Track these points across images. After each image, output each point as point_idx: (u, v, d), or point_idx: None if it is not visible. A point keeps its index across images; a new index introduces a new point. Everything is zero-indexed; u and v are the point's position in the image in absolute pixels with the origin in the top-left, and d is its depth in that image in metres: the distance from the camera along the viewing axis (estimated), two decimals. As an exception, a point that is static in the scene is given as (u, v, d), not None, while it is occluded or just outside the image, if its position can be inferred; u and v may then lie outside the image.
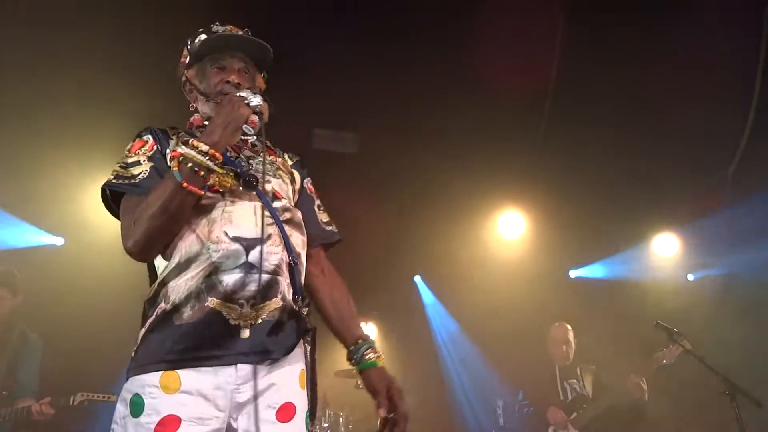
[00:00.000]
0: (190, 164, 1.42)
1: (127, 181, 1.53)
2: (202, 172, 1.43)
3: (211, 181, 1.49)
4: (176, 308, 1.44)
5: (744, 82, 4.78)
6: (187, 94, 1.82)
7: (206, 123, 1.67)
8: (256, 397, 1.43)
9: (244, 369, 1.44)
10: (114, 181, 1.54)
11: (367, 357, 1.62)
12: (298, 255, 1.61)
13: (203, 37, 1.75)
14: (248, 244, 1.48)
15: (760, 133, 5.04)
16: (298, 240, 1.64)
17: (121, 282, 5.26)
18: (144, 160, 1.56)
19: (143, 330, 1.49)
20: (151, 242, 1.47)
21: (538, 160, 5.65)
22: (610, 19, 4.47)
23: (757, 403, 3.27)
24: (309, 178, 1.88)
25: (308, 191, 1.84)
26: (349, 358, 1.68)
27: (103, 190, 1.59)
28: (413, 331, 6.95)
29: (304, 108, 5.38)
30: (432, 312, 7.16)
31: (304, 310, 1.60)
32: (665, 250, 6.39)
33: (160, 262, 1.55)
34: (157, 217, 1.42)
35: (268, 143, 1.76)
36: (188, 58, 1.79)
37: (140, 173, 1.54)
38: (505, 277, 6.39)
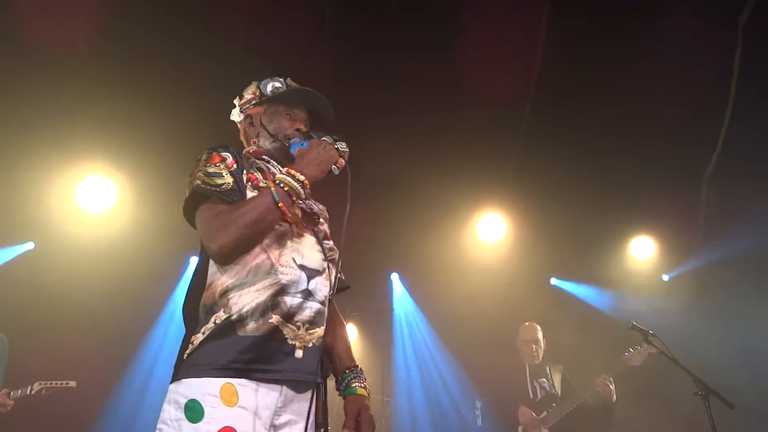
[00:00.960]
0: (286, 188, 1.62)
1: (215, 188, 1.66)
2: (294, 198, 1.64)
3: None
4: (241, 319, 1.55)
5: (720, 88, 4.87)
6: (247, 126, 2.02)
7: (265, 158, 1.89)
8: (309, 414, 1.57)
9: (288, 393, 1.58)
10: (203, 186, 1.66)
11: (351, 384, 1.77)
12: (334, 291, 1.79)
13: (277, 85, 2.00)
14: (309, 274, 1.67)
15: (735, 138, 5.14)
16: (335, 278, 1.78)
17: (91, 283, 5.31)
18: (226, 174, 1.70)
19: (200, 335, 1.57)
20: (238, 247, 1.60)
21: (518, 163, 5.68)
22: (590, 24, 4.51)
23: (729, 405, 3.31)
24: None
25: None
26: (337, 387, 1.81)
27: (192, 191, 1.69)
28: (391, 331, 6.95)
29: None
30: (407, 311, 7.19)
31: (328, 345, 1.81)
32: (642, 253, 6.48)
33: (217, 271, 1.65)
34: (251, 226, 1.58)
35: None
36: (258, 97, 2.01)
37: (224, 184, 1.67)
38: (484, 279, 6.41)
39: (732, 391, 3.33)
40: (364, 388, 1.77)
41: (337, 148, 1.73)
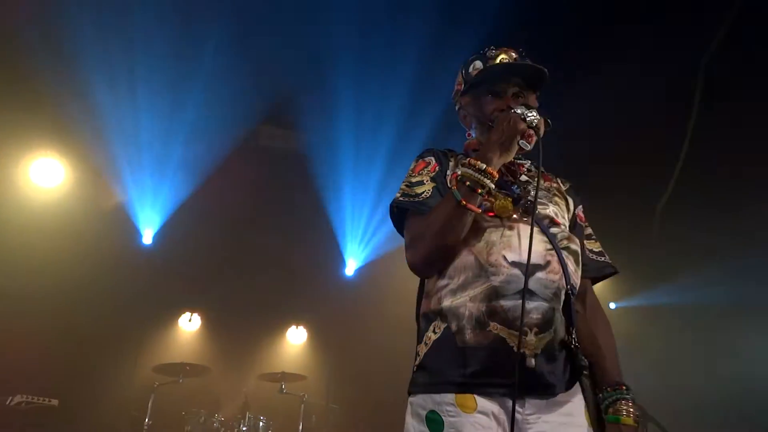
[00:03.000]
0: (468, 183, 1.45)
1: (412, 199, 1.59)
2: (480, 190, 1.46)
3: (489, 206, 1.53)
4: (460, 330, 1.44)
5: (677, 125, 5.01)
6: (462, 120, 1.83)
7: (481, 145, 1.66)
8: None
9: (533, 402, 1.42)
10: (401, 199, 1.61)
11: (615, 408, 1.47)
12: (575, 285, 1.55)
13: (478, 64, 1.74)
14: (527, 271, 1.43)
15: (689, 173, 5.29)
16: (575, 270, 1.57)
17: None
18: (427, 180, 1.62)
19: (424, 347, 1.51)
20: (432, 258, 1.52)
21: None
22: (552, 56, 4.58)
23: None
24: (581, 206, 1.81)
25: (579, 219, 1.77)
26: (599, 403, 1.53)
27: (391, 207, 1.64)
28: (345, 335, 6.86)
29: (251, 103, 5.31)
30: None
31: (574, 345, 1.50)
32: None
33: (435, 278, 1.55)
34: (440, 234, 1.48)
35: (543, 169, 1.70)
36: (463, 85, 1.79)
37: (423, 192, 1.59)
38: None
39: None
40: (631, 414, 1.45)
41: (524, 119, 1.49)
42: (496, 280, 1.44)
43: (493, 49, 1.75)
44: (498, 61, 1.72)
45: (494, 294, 1.43)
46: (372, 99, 5.21)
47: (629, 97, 4.68)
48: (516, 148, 1.51)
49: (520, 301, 1.39)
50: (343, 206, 6.41)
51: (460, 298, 1.46)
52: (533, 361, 1.39)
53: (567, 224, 1.68)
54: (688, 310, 5.82)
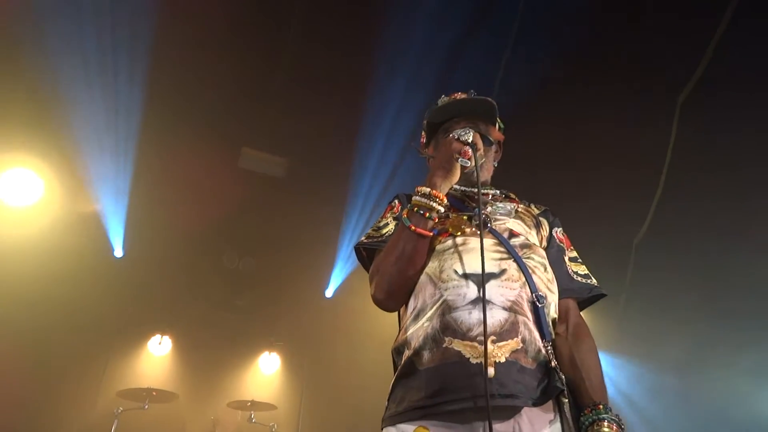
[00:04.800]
0: (416, 209, 1.49)
1: (374, 240, 1.65)
2: (427, 214, 1.48)
3: (444, 227, 1.55)
4: (417, 353, 1.41)
5: (655, 163, 5.12)
6: (426, 155, 1.88)
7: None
8: None
9: (503, 420, 1.31)
10: (365, 240, 1.67)
11: (592, 430, 1.36)
12: (544, 295, 1.48)
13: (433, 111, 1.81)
14: (479, 280, 1.41)
15: (665, 209, 5.39)
16: (544, 279, 1.52)
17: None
18: (390, 221, 1.70)
19: (393, 379, 1.49)
20: (392, 289, 1.52)
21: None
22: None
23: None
24: (560, 228, 1.77)
25: (557, 240, 1.73)
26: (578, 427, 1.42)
27: (357, 250, 1.68)
28: (319, 363, 6.73)
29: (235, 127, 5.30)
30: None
31: (553, 362, 1.40)
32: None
33: (403, 311, 1.57)
34: (394, 263, 1.49)
35: (512, 194, 1.82)
36: (425, 138, 1.87)
37: (387, 231, 1.66)
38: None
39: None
40: None
41: (457, 138, 1.54)
42: (446, 294, 1.43)
43: (444, 98, 1.81)
44: (451, 98, 1.79)
45: (447, 308, 1.42)
46: (357, 122, 5.25)
47: (607, 136, 4.80)
48: (457, 166, 1.54)
49: (473, 311, 1.37)
50: (323, 230, 6.35)
51: (419, 322, 1.45)
52: (492, 370, 1.32)
53: (538, 242, 1.65)
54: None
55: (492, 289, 1.42)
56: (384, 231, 1.67)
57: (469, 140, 1.54)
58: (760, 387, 5.09)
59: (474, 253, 1.46)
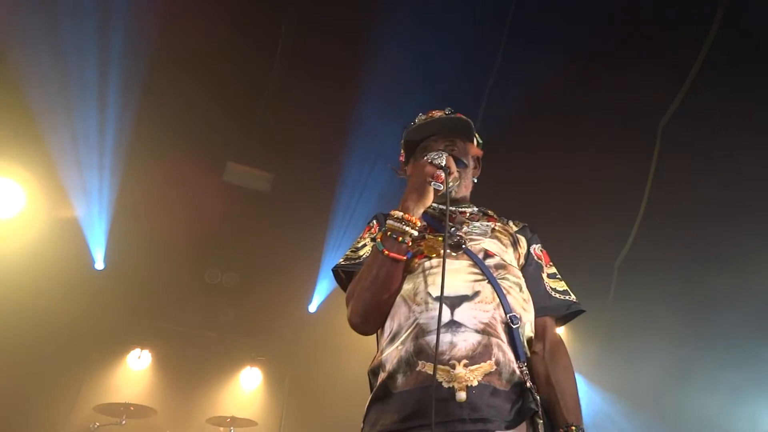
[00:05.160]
0: (389, 233, 1.49)
1: (352, 262, 1.66)
2: (401, 238, 1.48)
3: (420, 249, 1.56)
4: (391, 376, 1.42)
5: (638, 183, 5.20)
6: (405, 175, 1.87)
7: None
8: None
9: None
10: (342, 262, 1.67)
11: None
12: (519, 316, 1.48)
13: (411, 130, 1.80)
14: (453, 303, 1.43)
15: (647, 229, 5.47)
16: (519, 299, 1.52)
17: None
18: (368, 242, 1.70)
19: (368, 401, 1.48)
20: (367, 312, 1.52)
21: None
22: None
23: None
24: (538, 245, 1.77)
25: (535, 257, 1.72)
26: None
27: (335, 272, 1.69)
28: (301, 378, 6.68)
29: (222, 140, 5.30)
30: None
31: (528, 382, 1.40)
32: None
33: (380, 332, 1.57)
34: (368, 287, 1.50)
35: (490, 212, 1.83)
36: (404, 156, 1.87)
37: (364, 253, 1.66)
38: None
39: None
40: None
41: (430, 162, 1.54)
42: (421, 318, 1.44)
43: (421, 115, 1.82)
44: (428, 117, 1.79)
45: (420, 331, 1.42)
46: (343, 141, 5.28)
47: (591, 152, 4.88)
48: (430, 190, 1.53)
49: (446, 334, 1.39)
50: (307, 244, 6.33)
51: (394, 344, 1.46)
52: (463, 394, 1.32)
53: (514, 260, 1.65)
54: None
55: (465, 311, 1.42)
56: (362, 252, 1.67)
57: (442, 164, 1.54)
58: (739, 406, 5.15)
59: (449, 274, 1.45)
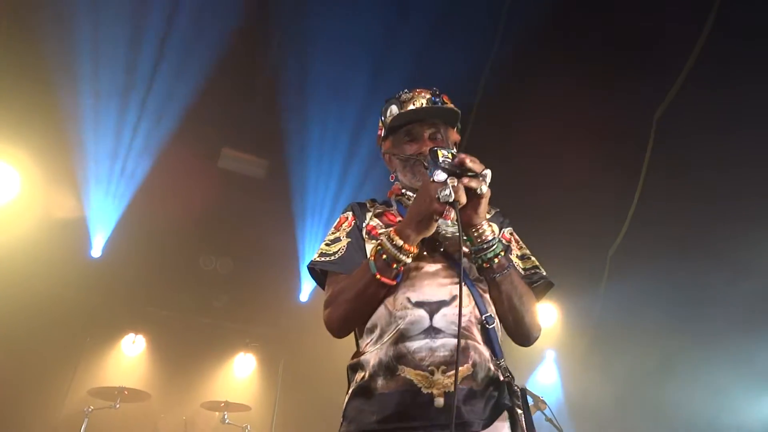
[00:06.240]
0: (384, 256, 1.45)
1: (327, 259, 1.63)
2: (395, 265, 1.46)
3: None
4: (372, 377, 1.46)
5: (629, 179, 5.23)
6: (388, 163, 1.84)
7: (404, 191, 1.73)
8: None
9: None
10: (318, 259, 1.65)
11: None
12: (493, 315, 1.52)
13: (394, 110, 1.75)
14: (431, 309, 1.47)
15: (638, 222, 5.50)
16: (491, 298, 1.55)
17: None
18: (343, 237, 1.67)
19: (347, 396, 1.53)
20: (347, 322, 1.56)
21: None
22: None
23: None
24: (509, 228, 1.77)
25: (504, 241, 1.71)
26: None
27: (309, 268, 1.68)
28: (295, 364, 6.71)
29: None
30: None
31: (503, 377, 1.47)
32: (544, 320, 6.71)
33: (359, 333, 1.60)
34: (352, 301, 1.51)
35: None
36: (383, 130, 1.81)
37: (339, 249, 1.64)
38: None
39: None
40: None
41: (438, 198, 1.37)
42: (401, 324, 1.46)
43: (406, 92, 1.77)
44: (411, 104, 1.74)
45: (401, 337, 1.46)
46: (332, 123, 5.28)
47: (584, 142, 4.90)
48: (434, 225, 1.47)
49: (425, 341, 1.43)
50: (300, 232, 6.35)
51: (375, 347, 1.49)
52: (441, 400, 1.37)
53: None
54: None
55: (442, 317, 1.46)
56: (335, 248, 1.65)
57: (450, 200, 1.37)
58: (726, 398, 5.22)
59: (427, 278, 1.51)
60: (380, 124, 1.84)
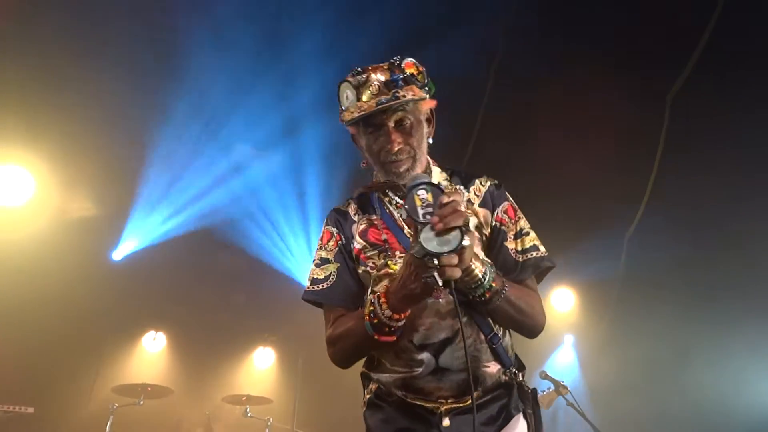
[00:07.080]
0: (376, 320, 1.41)
1: (320, 287, 1.62)
2: (387, 329, 1.43)
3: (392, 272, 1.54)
4: (381, 397, 1.55)
5: (645, 167, 5.19)
6: (354, 142, 1.68)
7: (387, 191, 1.64)
8: None
9: None
10: (310, 288, 1.63)
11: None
12: (498, 333, 1.54)
13: (350, 95, 1.54)
14: (436, 350, 1.48)
15: (653, 206, 5.46)
16: (486, 314, 1.53)
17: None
18: (332, 258, 1.64)
19: (366, 398, 1.61)
20: (351, 361, 1.61)
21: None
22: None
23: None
24: (503, 204, 1.62)
25: (498, 224, 1.60)
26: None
27: (304, 298, 1.66)
28: (314, 357, 6.76)
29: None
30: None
31: (512, 380, 1.54)
32: (562, 305, 6.67)
33: None
34: (350, 348, 1.55)
35: (449, 185, 1.65)
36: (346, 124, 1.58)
37: (330, 275, 1.62)
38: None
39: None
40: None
41: (426, 280, 1.25)
42: (409, 372, 1.50)
43: (359, 72, 1.54)
44: (366, 91, 1.51)
45: (410, 378, 1.50)
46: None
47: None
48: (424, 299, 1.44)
49: (434, 381, 1.48)
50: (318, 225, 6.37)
51: (383, 373, 1.56)
52: (447, 420, 1.45)
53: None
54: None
55: (448, 356, 1.48)
56: (327, 273, 1.62)
57: (440, 284, 1.24)
58: (745, 381, 5.18)
59: (428, 319, 1.48)
60: (339, 101, 1.60)
